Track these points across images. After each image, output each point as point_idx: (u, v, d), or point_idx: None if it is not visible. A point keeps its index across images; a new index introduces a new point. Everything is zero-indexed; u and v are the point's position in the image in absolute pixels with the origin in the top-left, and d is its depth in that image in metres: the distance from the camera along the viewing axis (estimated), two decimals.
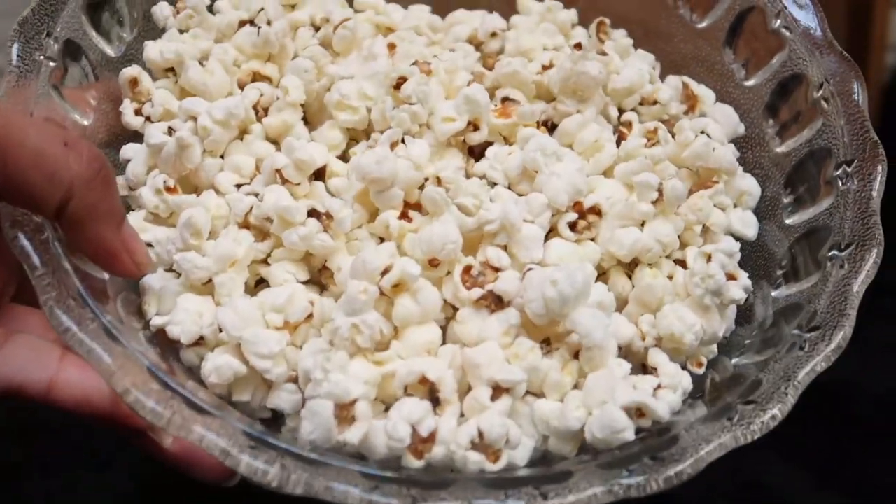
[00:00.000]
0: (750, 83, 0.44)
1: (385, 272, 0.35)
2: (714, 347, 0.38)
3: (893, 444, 0.59)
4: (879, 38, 0.87)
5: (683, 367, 0.38)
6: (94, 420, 0.34)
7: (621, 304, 0.38)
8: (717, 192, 0.40)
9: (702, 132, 0.41)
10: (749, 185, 0.42)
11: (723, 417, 0.33)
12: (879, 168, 0.39)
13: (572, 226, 0.38)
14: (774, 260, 0.41)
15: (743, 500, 0.55)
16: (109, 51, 0.41)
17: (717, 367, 0.38)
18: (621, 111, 0.43)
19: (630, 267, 0.39)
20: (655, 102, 0.43)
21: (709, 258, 0.38)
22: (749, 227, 0.41)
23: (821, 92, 0.41)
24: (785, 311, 0.38)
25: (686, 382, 0.36)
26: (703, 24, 0.45)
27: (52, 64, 0.38)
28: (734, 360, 0.38)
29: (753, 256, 0.41)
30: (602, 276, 0.40)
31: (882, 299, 0.77)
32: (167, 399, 0.31)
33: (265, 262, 0.39)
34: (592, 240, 0.39)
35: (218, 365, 0.35)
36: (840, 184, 0.39)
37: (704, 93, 0.43)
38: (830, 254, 0.38)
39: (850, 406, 0.63)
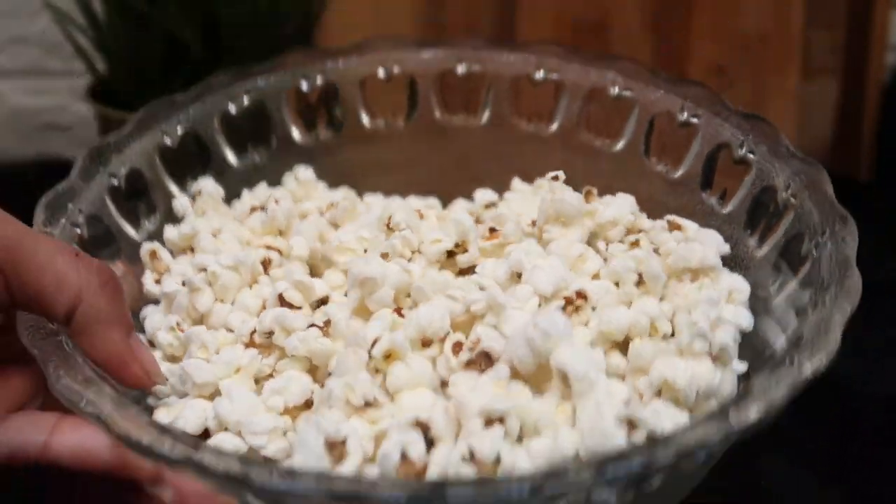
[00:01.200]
0: (728, 210, 0.46)
1: (375, 343, 0.37)
2: (713, 403, 0.38)
3: (894, 445, 0.60)
4: (879, 38, 0.87)
5: None
6: (94, 472, 0.35)
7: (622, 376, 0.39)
8: (704, 286, 0.42)
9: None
10: (736, 283, 0.43)
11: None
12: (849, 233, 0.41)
13: (562, 310, 0.39)
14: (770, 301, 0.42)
15: (743, 500, 0.55)
16: (137, 237, 0.46)
17: None
18: (609, 243, 0.45)
19: (624, 347, 0.40)
20: (640, 231, 0.45)
21: (689, 312, 0.39)
22: (742, 319, 0.41)
23: (788, 192, 0.44)
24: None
25: (677, 415, 0.36)
26: (677, 175, 0.48)
27: (76, 230, 0.42)
28: None
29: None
30: None
31: (882, 299, 0.77)
32: (164, 434, 0.32)
33: (270, 376, 0.40)
34: (585, 324, 0.40)
35: (219, 441, 0.37)
36: (814, 252, 0.42)
37: (688, 224, 0.45)
38: (811, 296, 0.40)
39: (851, 406, 0.63)
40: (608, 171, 0.51)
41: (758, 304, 0.43)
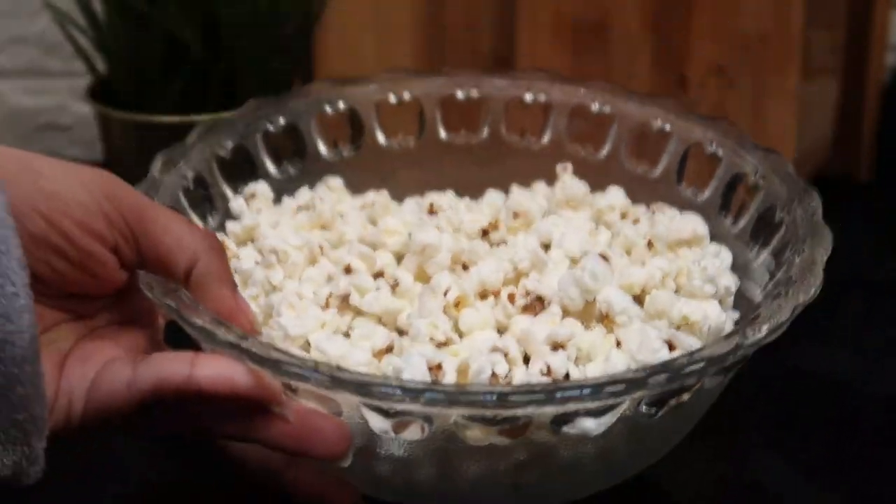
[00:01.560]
0: (703, 198, 0.54)
1: (446, 292, 0.45)
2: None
3: (894, 445, 0.59)
4: (879, 38, 0.87)
5: None
6: (235, 396, 0.38)
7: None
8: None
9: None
10: (721, 251, 0.51)
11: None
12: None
13: None
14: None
15: (743, 500, 0.55)
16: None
17: None
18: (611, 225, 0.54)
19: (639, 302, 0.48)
20: (635, 217, 0.54)
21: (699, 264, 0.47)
22: (726, 278, 0.49)
23: (784, 211, 0.51)
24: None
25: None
26: (656, 174, 0.57)
27: None
28: None
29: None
30: None
31: (882, 299, 0.77)
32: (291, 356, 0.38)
33: (347, 335, 0.47)
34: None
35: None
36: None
37: (671, 211, 0.54)
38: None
39: (850, 406, 0.63)
40: (594, 176, 0.59)
41: (738, 271, 0.51)
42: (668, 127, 0.57)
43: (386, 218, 0.53)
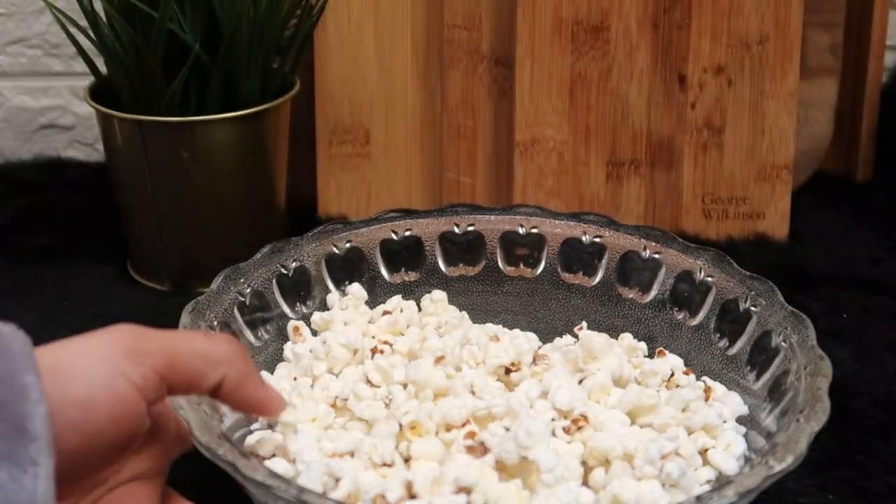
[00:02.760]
0: (758, 385, 0.56)
1: (406, 413, 0.49)
2: None
3: (894, 444, 0.60)
4: (879, 38, 0.87)
5: None
6: None
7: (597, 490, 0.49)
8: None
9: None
10: (735, 439, 0.52)
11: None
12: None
13: (566, 430, 0.50)
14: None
15: None
16: (290, 314, 0.60)
17: None
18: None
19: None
20: (677, 386, 0.55)
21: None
22: (728, 464, 0.51)
23: (780, 337, 0.54)
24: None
25: None
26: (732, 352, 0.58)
27: (241, 299, 0.57)
28: None
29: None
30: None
31: (881, 299, 0.77)
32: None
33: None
34: (583, 443, 0.50)
35: (274, 464, 0.48)
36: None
37: (716, 385, 0.56)
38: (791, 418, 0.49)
39: (850, 406, 0.63)
40: (585, 303, 0.63)
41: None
42: (657, 256, 0.61)
43: (431, 340, 0.57)
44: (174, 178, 0.71)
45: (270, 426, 0.51)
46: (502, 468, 0.47)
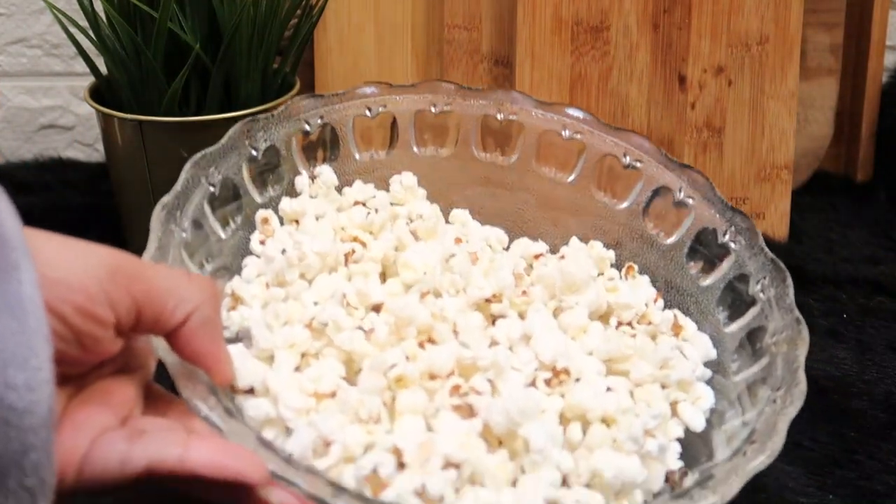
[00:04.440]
0: (729, 329, 0.55)
1: (392, 367, 0.47)
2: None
3: (894, 444, 0.60)
4: (879, 38, 0.87)
5: None
6: (225, 482, 0.41)
7: (573, 449, 0.48)
8: (669, 394, 0.52)
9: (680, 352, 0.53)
10: (705, 392, 0.53)
11: (684, 497, 0.44)
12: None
13: (547, 382, 0.50)
14: (725, 414, 0.52)
15: (742, 500, 0.55)
16: (258, 198, 0.58)
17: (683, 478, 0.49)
18: (621, 323, 0.55)
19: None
20: (650, 323, 0.55)
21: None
22: (697, 420, 0.51)
23: (758, 286, 0.54)
24: (732, 436, 0.50)
25: None
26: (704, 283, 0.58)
27: (210, 189, 0.54)
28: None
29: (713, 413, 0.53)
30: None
31: (882, 299, 0.77)
32: (271, 457, 0.42)
33: (315, 357, 0.51)
34: (562, 395, 0.50)
35: (257, 405, 0.47)
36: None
37: (688, 323, 0.56)
38: (767, 394, 0.49)
39: (850, 406, 0.63)
40: (560, 199, 0.62)
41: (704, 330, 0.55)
42: (638, 164, 0.61)
43: (412, 249, 0.56)
44: (174, 179, 0.71)
45: (242, 342, 0.51)
46: (488, 432, 0.46)
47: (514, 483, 0.46)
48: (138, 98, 0.71)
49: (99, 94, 0.75)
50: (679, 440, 0.51)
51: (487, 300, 0.54)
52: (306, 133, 0.60)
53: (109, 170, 0.76)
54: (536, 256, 0.59)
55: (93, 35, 0.72)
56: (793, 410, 0.47)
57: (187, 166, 0.54)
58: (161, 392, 0.48)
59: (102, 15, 0.71)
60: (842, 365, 0.66)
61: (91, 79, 0.77)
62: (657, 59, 0.80)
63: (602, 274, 0.60)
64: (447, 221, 0.62)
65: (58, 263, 0.39)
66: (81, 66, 0.78)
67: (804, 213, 0.85)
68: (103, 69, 0.76)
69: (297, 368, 0.50)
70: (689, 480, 0.48)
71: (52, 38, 0.94)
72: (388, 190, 0.61)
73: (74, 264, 0.40)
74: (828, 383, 0.64)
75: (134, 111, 0.71)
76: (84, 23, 0.73)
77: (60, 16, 0.73)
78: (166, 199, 0.52)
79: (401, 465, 0.44)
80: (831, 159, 0.92)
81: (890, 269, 0.78)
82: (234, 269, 0.56)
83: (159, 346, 0.45)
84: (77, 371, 0.43)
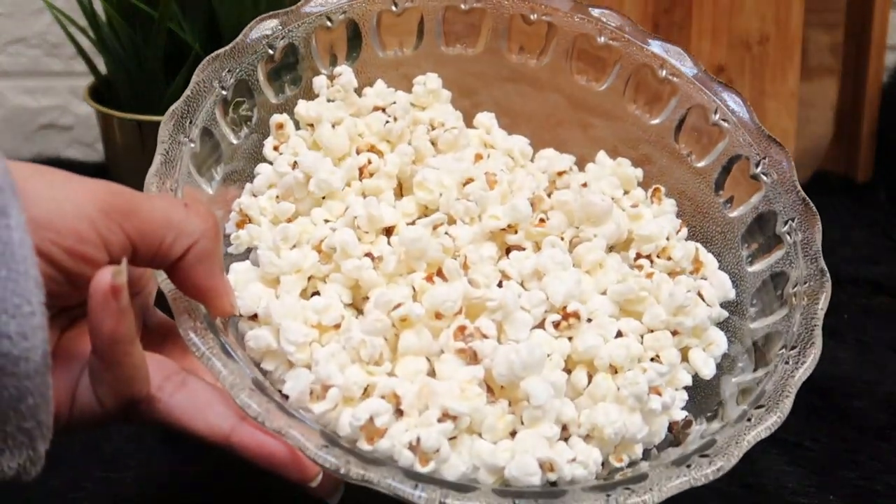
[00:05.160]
0: (751, 269, 0.54)
1: (397, 307, 0.46)
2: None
3: (894, 444, 0.60)
4: (879, 39, 0.87)
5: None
6: (272, 467, 0.41)
7: (576, 396, 0.48)
8: (681, 341, 0.50)
9: (698, 293, 0.51)
10: (718, 338, 0.51)
11: (682, 465, 0.43)
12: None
13: (556, 324, 0.48)
14: (737, 361, 0.51)
15: (742, 500, 0.55)
16: (273, 99, 0.55)
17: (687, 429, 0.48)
18: (640, 256, 0.53)
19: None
20: (669, 258, 0.52)
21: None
22: (707, 368, 0.50)
23: (785, 226, 0.52)
24: (742, 391, 0.49)
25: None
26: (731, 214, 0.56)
27: (222, 91, 0.52)
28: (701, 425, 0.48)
29: (725, 357, 0.51)
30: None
31: (881, 298, 0.77)
32: (265, 403, 0.41)
33: (323, 280, 0.49)
34: (570, 339, 0.48)
35: (258, 335, 0.46)
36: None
37: (709, 260, 0.54)
38: (780, 352, 0.48)
39: (850, 406, 0.63)
40: (592, 104, 0.59)
41: (724, 268, 0.53)
42: (674, 79, 0.57)
43: (426, 171, 0.53)
44: None
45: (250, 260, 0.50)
46: (490, 378, 0.45)
47: (513, 434, 0.45)
48: (138, 98, 0.71)
49: (98, 93, 0.75)
50: (687, 387, 0.50)
51: (502, 230, 0.51)
52: (327, 29, 0.56)
53: (109, 170, 0.76)
54: (560, 174, 0.55)
55: (92, 35, 0.72)
56: (804, 373, 0.46)
57: (198, 69, 0.51)
58: (161, 319, 0.47)
59: (102, 15, 0.71)
60: (842, 365, 0.66)
61: (91, 78, 0.77)
62: None
63: (627, 193, 0.57)
64: (471, 125, 0.59)
65: (47, 204, 0.38)
66: (81, 65, 0.78)
67: None
68: (103, 69, 0.76)
69: (304, 291, 0.49)
70: (693, 432, 0.47)
71: (51, 37, 0.94)
72: (410, 90, 0.58)
73: (64, 204, 0.38)
74: (828, 383, 0.63)
75: (134, 111, 0.71)
76: (83, 22, 0.73)
77: (60, 15, 0.73)
78: (175, 106, 0.49)
79: (398, 412, 0.43)
80: (831, 159, 0.92)
81: (890, 269, 0.78)
82: (246, 175, 0.53)
83: (159, 276, 0.43)
84: (69, 304, 0.42)
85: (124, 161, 0.73)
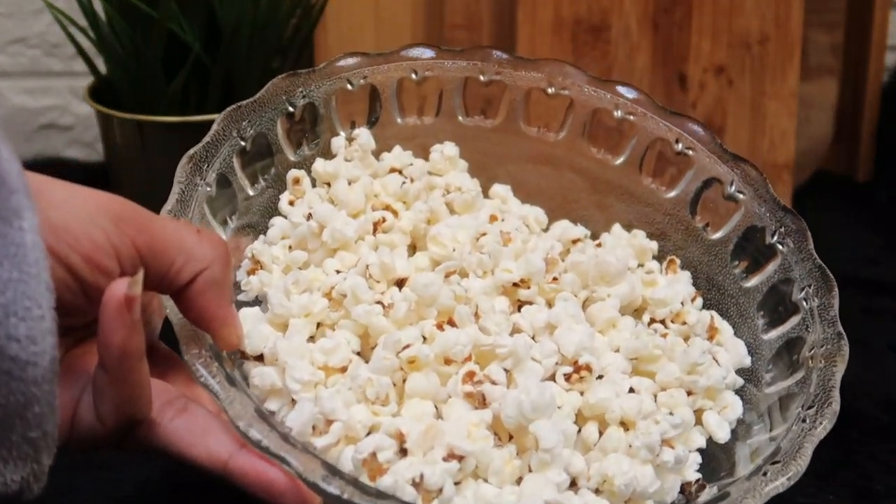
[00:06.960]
0: (767, 337, 0.53)
1: (406, 347, 0.46)
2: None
3: (894, 444, 0.60)
4: (879, 39, 0.87)
5: None
6: (271, 496, 0.40)
7: (586, 451, 0.47)
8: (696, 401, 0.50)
9: (713, 357, 0.51)
10: (733, 402, 0.51)
11: None
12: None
13: (567, 377, 0.48)
14: (752, 426, 0.51)
15: None
16: (291, 157, 0.55)
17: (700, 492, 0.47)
18: (654, 321, 0.53)
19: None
20: (684, 323, 0.52)
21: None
22: (722, 431, 0.50)
23: (802, 293, 0.52)
24: (757, 450, 0.48)
25: None
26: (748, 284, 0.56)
27: (242, 143, 0.52)
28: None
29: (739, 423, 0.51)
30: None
31: (881, 298, 0.77)
32: (267, 431, 0.40)
33: (332, 328, 0.49)
34: (581, 393, 0.48)
35: (263, 373, 0.45)
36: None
37: (724, 327, 0.53)
38: (797, 411, 0.48)
39: (850, 406, 0.63)
40: (607, 182, 0.60)
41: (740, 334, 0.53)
42: (690, 153, 0.58)
43: (440, 226, 0.53)
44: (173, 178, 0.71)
45: (260, 307, 0.49)
46: (499, 425, 0.45)
47: (519, 481, 0.44)
48: (138, 98, 0.71)
49: (98, 93, 0.75)
50: (701, 450, 0.49)
51: (515, 284, 0.51)
52: (347, 92, 0.57)
53: (109, 170, 0.76)
54: (574, 241, 0.56)
55: (92, 35, 0.72)
56: (822, 432, 0.46)
57: (219, 118, 0.51)
58: (165, 351, 0.47)
59: (102, 14, 0.71)
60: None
61: (90, 78, 0.77)
62: (657, 59, 0.80)
63: (642, 265, 0.57)
64: (487, 197, 0.59)
65: (62, 209, 0.38)
66: (81, 65, 0.78)
67: (804, 213, 0.85)
68: (103, 69, 0.76)
69: (312, 338, 0.49)
70: (706, 494, 0.46)
71: (51, 37, 0.93)
72: (427, 159, 0.58)
73: (80, 211, 0.38)
74: None
75: (134, 111, 0.71)
76: (83, 22, 0.73)
77: (60, 15, 0.73)
78: (194, 150, 0.50)
79: (402, 452, 0.42)
80: (831, 159, 0.92)
81: (890, 269, 0.78)
82: (260, 229, 0.54)
83: (167, 305, 0.43)
84: (78, 322, 0.42)
85: (124, 161, 0.73)
